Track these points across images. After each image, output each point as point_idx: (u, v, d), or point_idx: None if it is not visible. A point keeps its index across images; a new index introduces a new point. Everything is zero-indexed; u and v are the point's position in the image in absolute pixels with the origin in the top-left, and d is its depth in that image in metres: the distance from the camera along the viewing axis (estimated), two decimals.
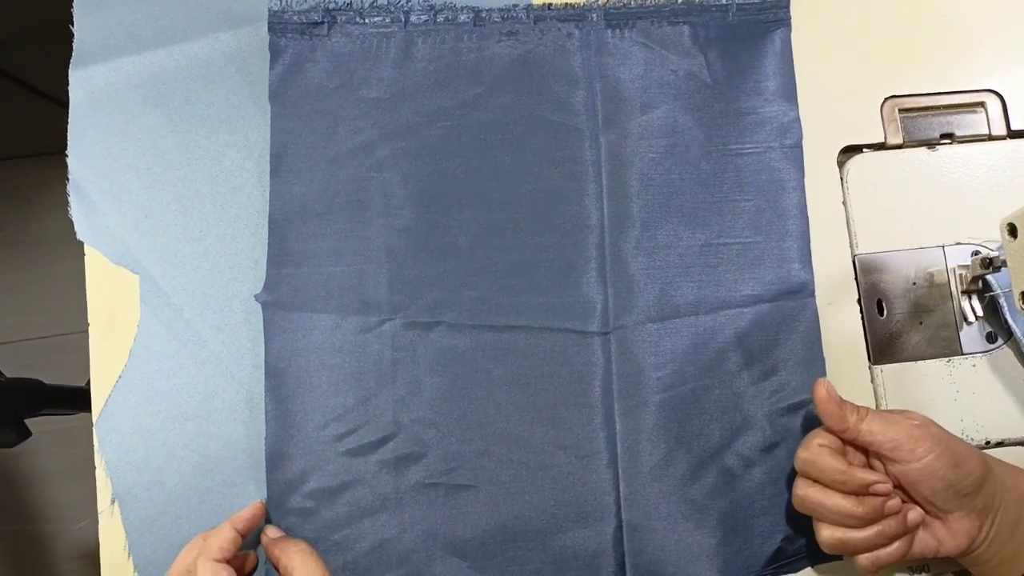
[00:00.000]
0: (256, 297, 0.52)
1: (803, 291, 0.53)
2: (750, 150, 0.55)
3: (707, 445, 0.52)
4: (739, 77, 0.55)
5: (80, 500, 1.24)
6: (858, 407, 0.45)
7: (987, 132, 0.57)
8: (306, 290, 0.52)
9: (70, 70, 0.53)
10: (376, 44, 0.55)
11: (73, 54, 0.53)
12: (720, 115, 0.55)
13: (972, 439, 0.52)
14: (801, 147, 0.55)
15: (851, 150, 0.56)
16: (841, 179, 0.55)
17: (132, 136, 0.53)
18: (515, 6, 0.55)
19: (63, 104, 0.53)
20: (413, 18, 0.55)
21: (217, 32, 0.54)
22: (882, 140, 0.56)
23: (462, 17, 0.55)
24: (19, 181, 1.31)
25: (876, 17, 0.58)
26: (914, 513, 0.45)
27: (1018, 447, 0.53)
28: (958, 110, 0.57)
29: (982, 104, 0.57)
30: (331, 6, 0.55)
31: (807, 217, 0.54)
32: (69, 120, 0.53)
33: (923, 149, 0.56)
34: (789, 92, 0.55)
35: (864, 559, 0.45)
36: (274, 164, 0.53)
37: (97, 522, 0.50)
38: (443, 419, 0.51)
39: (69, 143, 0.53)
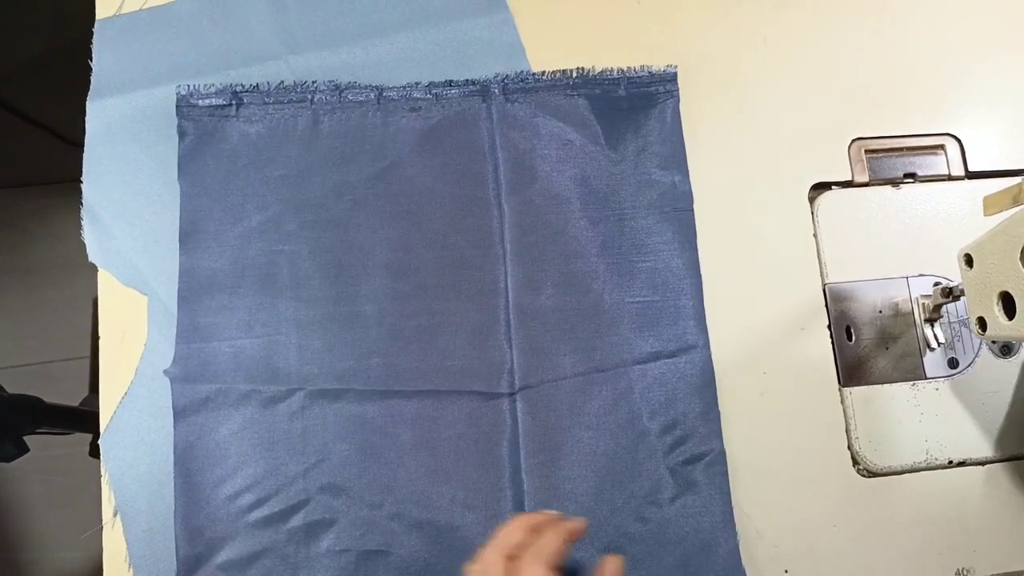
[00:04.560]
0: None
1: (698, 346, 0.55)
2: (644, 214, 0.57)
3: (614, 497, 0.53)
4: (632, 146, 0.58)
5: (63, 528, 1.23)
6: None
7: (947, 172, 0.61)
8: (216, 363, 0.53)
9: (87, 102, 0.56)
10: (283, 123, 0.56)
11: (91, 87, 0.56)
12: (616, 181, 0.57)
13: (936, 459, 0.55)
14: (692, 210, 0.57)
15: (821, 187, 0.60)
16: (812, 214, 0.59)
17: (144, 165, 0.56)
18: (417, 84, 0.58)
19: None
20: (319, 97, 0.57)
21: (228, 69, 0.57)
22: (850, 178, 0.60)
23: (366, 95, 0.57)
24: (15, 210, 1.32)
25: (845, 66, 0.62)
26: None
27: (978, 467, 0.56)
28: (920, 152, 0.61)
29: (942, 147, 0.61)
30: (238, 89, 0.56)
31: (700, 276, 0.56)
32: (85, 148, 0.55)
33: (888, 187, 0.60)
34: (679, 159, 0.58)
35: None
36: (183, 240, 0.54)
37: (100, 533, 0.51)
38: (353, 485, 0.52)
39: (84, 170, 0.55)
